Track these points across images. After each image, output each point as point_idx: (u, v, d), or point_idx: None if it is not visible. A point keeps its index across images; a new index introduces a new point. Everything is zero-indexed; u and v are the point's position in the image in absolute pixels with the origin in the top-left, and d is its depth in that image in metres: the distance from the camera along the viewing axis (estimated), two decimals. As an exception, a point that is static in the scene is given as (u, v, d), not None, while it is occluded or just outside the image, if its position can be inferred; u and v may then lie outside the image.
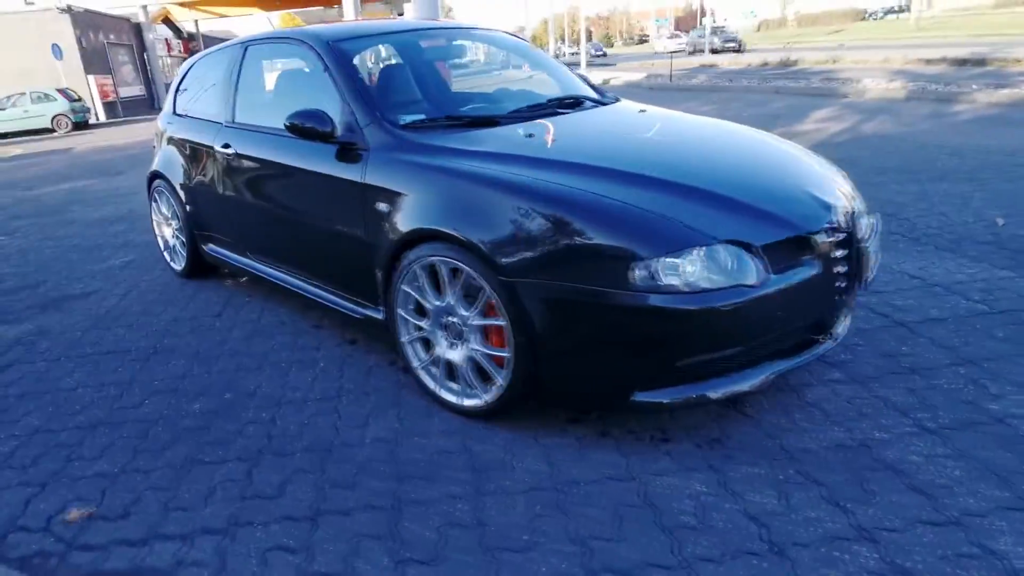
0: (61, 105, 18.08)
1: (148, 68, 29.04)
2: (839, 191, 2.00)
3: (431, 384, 2.11)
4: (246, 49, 3.03)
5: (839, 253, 1.84)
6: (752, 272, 1.66)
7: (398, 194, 2.06)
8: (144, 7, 28.71)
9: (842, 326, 1.97)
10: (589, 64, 30.22)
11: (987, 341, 2.25)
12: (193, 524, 1.66)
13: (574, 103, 2.67)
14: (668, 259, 1.62)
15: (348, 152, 2.24)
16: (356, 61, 2.45)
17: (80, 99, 19.35)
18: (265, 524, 1.64)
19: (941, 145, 5.61)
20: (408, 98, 2.51)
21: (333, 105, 2.34)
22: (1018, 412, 1.84)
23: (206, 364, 2.58)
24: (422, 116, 2.30)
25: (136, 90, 27.82)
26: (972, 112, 7.37)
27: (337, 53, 2.46)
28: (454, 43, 3.05)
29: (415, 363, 2.15)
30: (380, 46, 2.73)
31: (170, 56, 32.74)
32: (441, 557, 1.48)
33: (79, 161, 10.65)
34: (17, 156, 12.61)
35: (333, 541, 1.56)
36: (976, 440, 1.73)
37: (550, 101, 2.63)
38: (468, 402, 2.00)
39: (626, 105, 2.75)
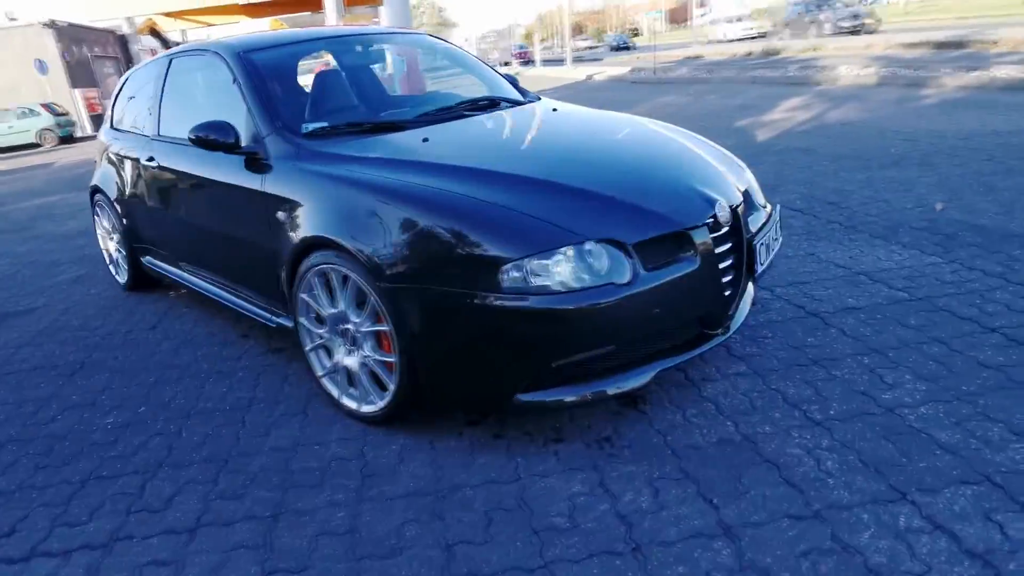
0: (46, 120, 18.12)
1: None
2: (727, 184, 2.00)
3: (334, 392, 2.11)
4: (170, 61, 3.04)
5: (722, 248, 1.84)
6: (624, 270, 1.66)
7: (295, 203, 2.06)
8: (129, 19, 28.87)
9: (737, 319, 1.96)
10: (578, 59, 30.21)
11: (898, 329, 2.24)
12: (75, 540, 1.66)
13: (488, 104, 2.67)
14: (536, 260, 1.62)
15: (253, 162, 2.25)
16: (265, 71, 2.45)
17: (66, 113, 19.40)
18: (145, 538, 1.64)
19: (899, 131, 5.59)
20: (318, 106, 2.51)
21: (241, 116, 2.34)
22: (909, 401, 1.83)
23: (129, 377, 2.58)
24: (324, 124, 2.30)
25: (124, 102, 27.88)
26: (938, 97, 7.34)
27: (245, 63, 2.46)
28: (371, 49, 3.05)
29: (319, 371, 2.15)
30: (294, 54, 2.72)
31: (159, 66, 32.83)
32: (309, 566, 1.49)
33: (57, 176, 10.67)
34: (-1, 172, 12.64)
35: (207, 553, 1.56)
36: (861, 431, 1.73)
37: (460, 104, 2.63)
38: (365, 408, 2.00)
39: (540, 105, 2.75)
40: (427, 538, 1.53)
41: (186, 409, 2.27)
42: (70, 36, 22.90)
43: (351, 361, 2.00)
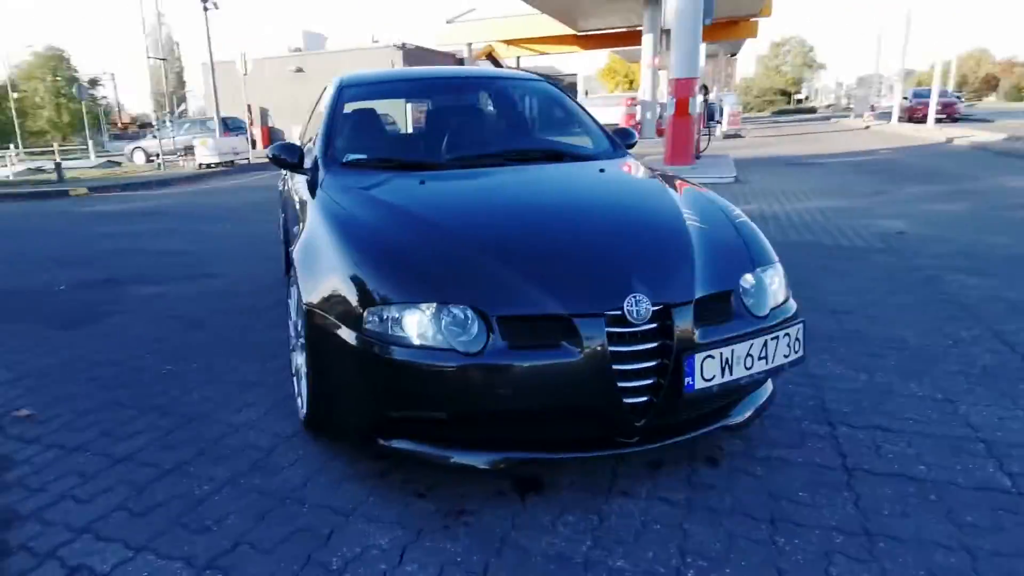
0: (380, 128, 22.88)
1: (462, 97, 34.72)
2: (680, 280, 1.81)
3: (295, 390, 2.45)
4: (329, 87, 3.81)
5: (630, 347, 1.69)
6: (474, 341, 1.66)
7: (308, 220, 2.49)
8: (469, 44, 34.61)
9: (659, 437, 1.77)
10: (963, 119, 25.90)
11: None
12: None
13: (548, 156, 2.77)
14: (395, 309, 1.73)
15: (312, 183, 2.74)
16: (346, 101, 2.97)
17: (393, 123, 24.16)
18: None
19: None
20: (373, 140, 2.91)
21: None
22: None
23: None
24: (362, 156, 2.69)
25: (446, 117, 33.46)
26: None
27: (337, 93, 3.02)
28: (467, 91, 3.38)
29: (292, 369, 2.52)
30: (386, 92, 3.20)
31: (486, 87, 38.59)
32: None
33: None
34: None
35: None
36: None
37: (507, 152, 2.78)
38: (301, 413, 2.30)
39: (590, 165, 2.72)
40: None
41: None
42: (415, 57, 28.42)
43: (299, 364, 2.34)
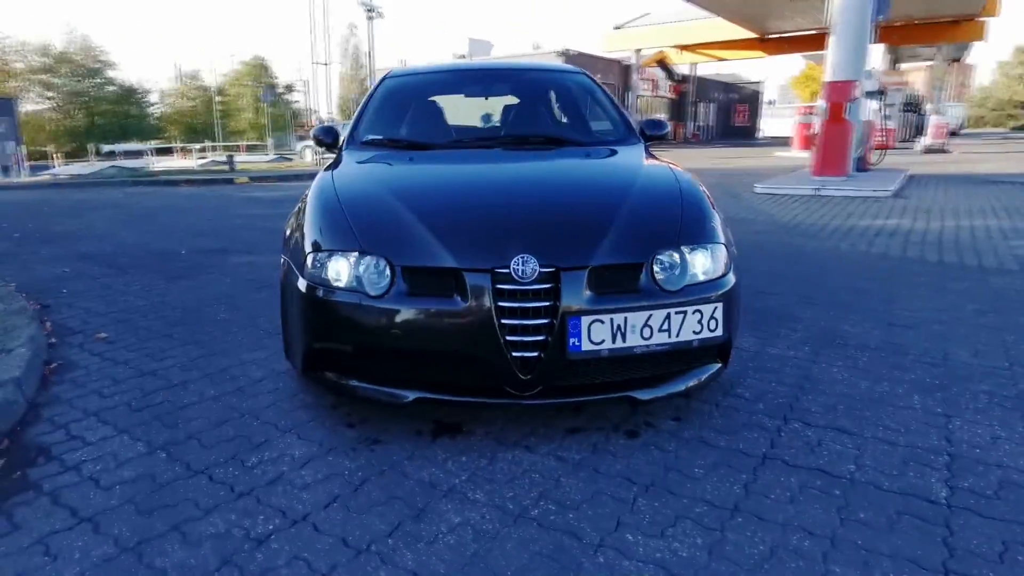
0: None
1: (625, 105, 34.81)
2: (580, 245, 1.97)
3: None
4: None
5: (515, 303, 1.88)
6: (378, 285, 1.96)
7: None
8: (638, 51, 34.60)
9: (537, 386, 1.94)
10: None
11: None
12: (126, 358, 2.96)
13: (544, 141, 3.01)
14: (326, 256, 2.09)
15: (335, 159, 3.16)
16: (383, 91, 3.40)
17: (435, 111, 24.98)
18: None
19: None
20: (395, 123, 3.29)
21: (362, 123, 3.34)
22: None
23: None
24: (377, 136, 3.08)
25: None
26: None
27: (379, 83, 3.46)
28: (496, 81, 3.65)
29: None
30: (424, 82, 3.59)
31: (654, 95, 38.33)
32: (146, 414, 2.37)
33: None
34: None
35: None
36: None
37: (508, 136, 3.04)
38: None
39: (585, 150, 2.89)
40: (191, 430, 2.22)
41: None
42: (578, 63, 28.96)
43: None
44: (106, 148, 24.20)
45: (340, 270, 2.03)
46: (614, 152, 2.85)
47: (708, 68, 41.73)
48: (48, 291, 4.12)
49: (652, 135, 3.21)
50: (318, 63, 22.36)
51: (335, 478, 1.89)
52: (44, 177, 15.03)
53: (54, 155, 17.48)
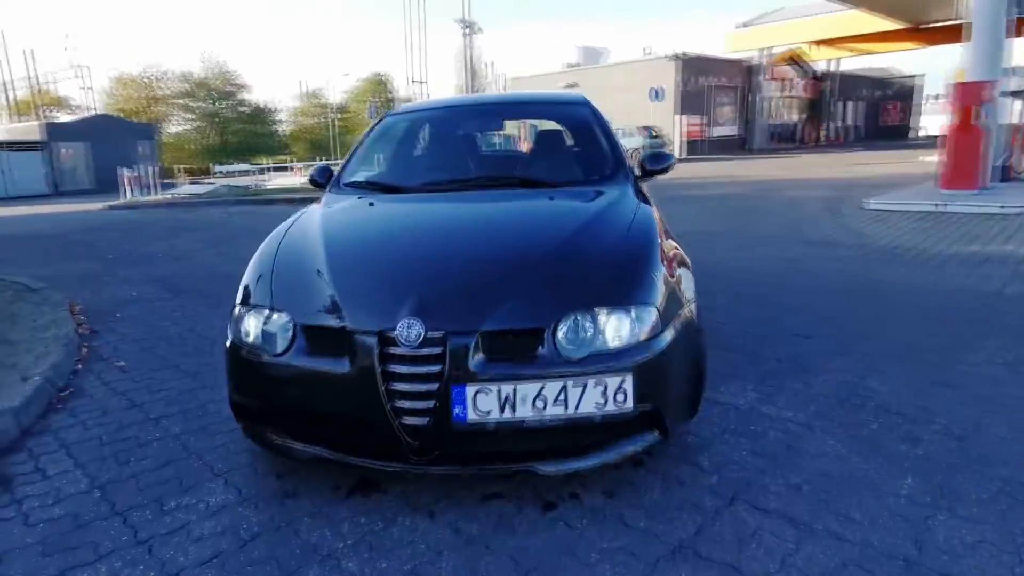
0: (638, 140, 23.37)
1: (749, 109, 33.26)
2: (479, 310, 1.91)
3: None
4: None
5: (405, 369, 1.86)
6: (279, 343, 2.03)
7: None
8: (763, 49, 32.95)
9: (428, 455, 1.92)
10: None
11: None
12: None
13: (516, 183, 2.95)
14: (243, 309, 2.20)
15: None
16: (379, 129, 3.50)
17: (659, 136, 24.39)
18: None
19: None
20: (375, 165, 3.36)
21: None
22: None
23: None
24: (358, 179, 3.16)
25: (728, 130, 32.35)
26: None
27: (373, 125, 3.57)
28: (487, 118, 3.63)
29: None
30: (416, 120, 3.65)
31: (785, 96, 36.38)
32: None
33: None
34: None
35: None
36: None
37: (477, 178, 3.04)
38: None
39: (549, 194, 2.76)
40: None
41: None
42: (692, 67, 28.31)
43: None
44: (218, 169, 26.48)
45: (251, 326, 2.13)
46: (582, 195, 2.72)
47: (855, 63, 38.94)
48: (105, 315, 4.59)
49: (653, 170, 3.06)
50: (415, 81, 23.27)
51: (230, 533, 1.96)
52: (164, 196, 16.78)
53: (178, 174, 19.41)
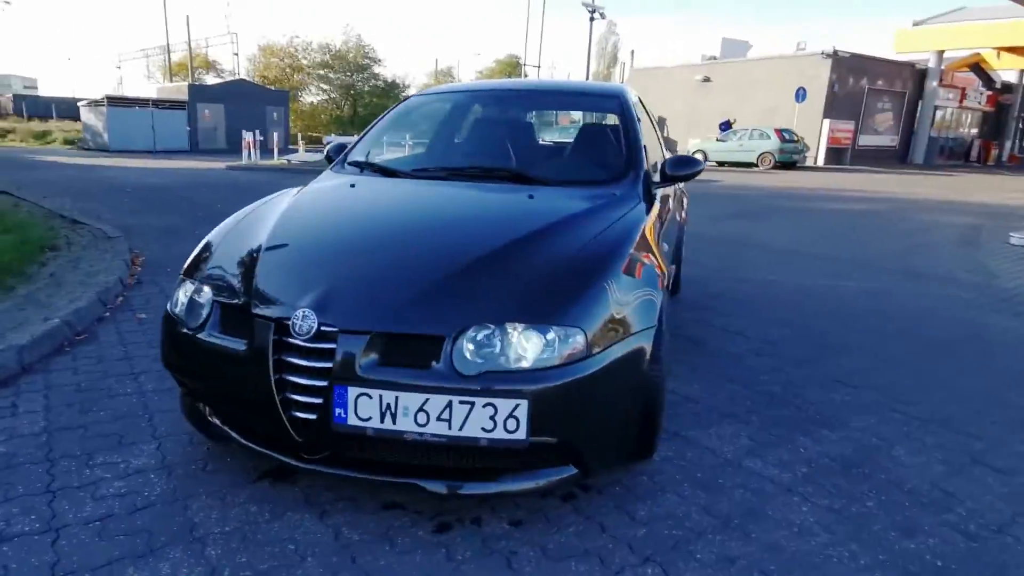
0: (772, 144, 22.04)
1: (915, 118, 30.39)
2: (368, 309, 1.83)
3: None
4: None
5: (296, 360, 1.82)
6: (198, 317, 2.05)
7: None
8: (940, 52, 29.80)
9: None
10: None
11: None
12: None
13: (506, 176, 2.80)
14: (182, 278, 2.25)
15: None
16: (396, 112, 3.46)
17: (797, 141, 22.85)
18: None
19: None
20: (382, 146, 3.30)
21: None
22: None
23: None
24: (359, 159, 3.12)
25: (884, 140, 29.75)
26: None
27: (398, 104, 3.54)
28: (510, 105, 3.46)
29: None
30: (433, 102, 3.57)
31: (960, 107, 32.96)
32: None
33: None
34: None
35: None
36: None
37: (472, 168, 2.91)
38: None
39: (529, 191, 2.58)
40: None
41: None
42: (848, 67, 26.18)
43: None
44: (327, 139, 27.91)
45: (180, 296, 2.16)
46: (569, 195, 2.53)
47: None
48: (160, 269, 4.91)
49: (674, 175, 2.82)
50: (526, 65, 23.23)
51: (130, 497, 2.00)
52: (281, 161, 17.84)
53: (300, 141, 20.58)
